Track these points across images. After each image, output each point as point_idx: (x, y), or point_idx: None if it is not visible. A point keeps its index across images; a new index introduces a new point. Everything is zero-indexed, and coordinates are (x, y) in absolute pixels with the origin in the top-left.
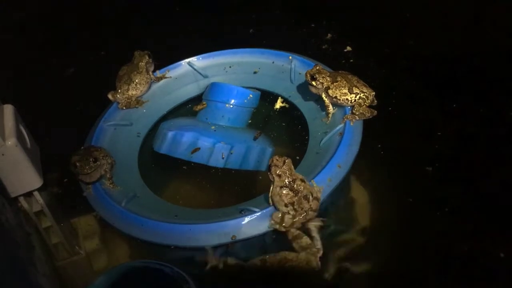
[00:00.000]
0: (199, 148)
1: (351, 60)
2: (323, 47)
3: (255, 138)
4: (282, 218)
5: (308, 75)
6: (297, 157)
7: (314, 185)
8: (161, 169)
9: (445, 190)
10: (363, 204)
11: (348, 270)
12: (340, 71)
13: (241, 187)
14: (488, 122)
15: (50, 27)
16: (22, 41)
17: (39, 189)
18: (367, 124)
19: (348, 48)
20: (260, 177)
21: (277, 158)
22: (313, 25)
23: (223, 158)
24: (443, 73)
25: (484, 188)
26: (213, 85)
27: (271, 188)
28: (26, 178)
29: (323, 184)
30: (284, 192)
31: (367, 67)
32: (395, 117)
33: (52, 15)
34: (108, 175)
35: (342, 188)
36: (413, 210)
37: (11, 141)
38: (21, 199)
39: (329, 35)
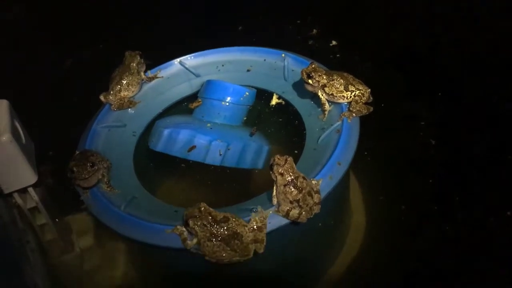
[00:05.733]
0: (195, 146)
1: (338, 55)
2: (310, 42)
3: (251, 134)
4: (287, 214)
5: (304, 74)
6: (296, 151)
7: (313, 180)
8: (158, 168)
9: (441, 186)
10: (359, 198)
11: None
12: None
13: (241, 185)
14: (470, 110)
15: (45, 22)
16: (17, 36)
17: (33, 185)
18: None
19: (334, 43)
20: (257, 173)
21: (279, 157)
22: (298, 21)
23: (220, 155)
24: (426, 65)
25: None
26: (208, 83)
27: (275, 187)
28: (20, 174)
29: (323, 181)
30: (288, 190)
31: (353, 61)
32: (384, 111)
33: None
34: (105, 179)
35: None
36: (407, 204)
37: (5, 137)
38: (15, 195)
39: (314, 30)
